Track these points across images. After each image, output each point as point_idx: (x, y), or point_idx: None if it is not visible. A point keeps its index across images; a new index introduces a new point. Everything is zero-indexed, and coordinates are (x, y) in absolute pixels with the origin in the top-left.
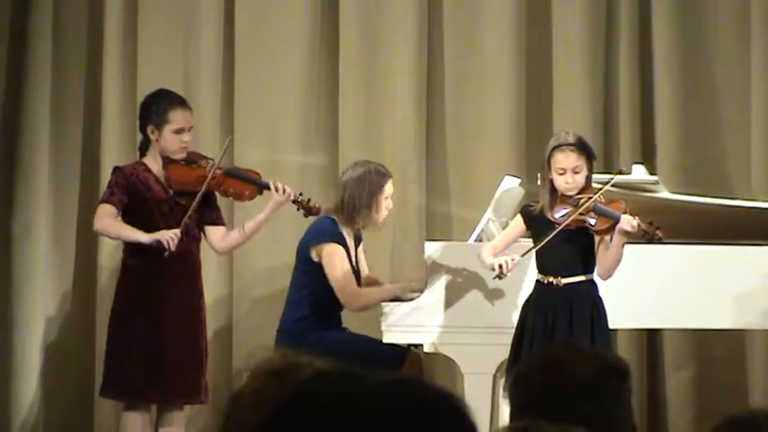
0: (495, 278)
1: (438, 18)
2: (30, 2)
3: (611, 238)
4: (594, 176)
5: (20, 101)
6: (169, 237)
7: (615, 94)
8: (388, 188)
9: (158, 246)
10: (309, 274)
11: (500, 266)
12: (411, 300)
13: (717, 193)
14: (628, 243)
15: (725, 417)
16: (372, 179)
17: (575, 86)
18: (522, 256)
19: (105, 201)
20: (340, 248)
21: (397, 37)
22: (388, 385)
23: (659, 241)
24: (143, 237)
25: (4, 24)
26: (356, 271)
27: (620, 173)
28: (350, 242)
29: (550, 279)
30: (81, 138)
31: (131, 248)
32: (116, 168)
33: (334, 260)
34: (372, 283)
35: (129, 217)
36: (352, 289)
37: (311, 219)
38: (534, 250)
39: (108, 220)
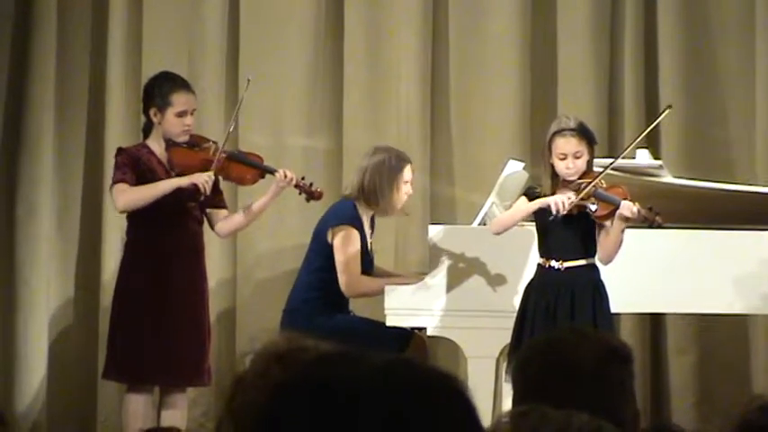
0: (551, 218)
1: (443, 2)
2: None
3: (612, 224)
4: (598, 161)
5: (24, 83)
6: (204, 180)
7: (620, 79)
8: (407, 173)
9: (194, 188)
10: (323, 256)
11: (556, 204)
12: (414, 284)
13: (720, 177)
14: (630, 227)
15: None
16: (392, 164)
17: (579, 70)
18: (578, 199)
19: (119, 180)
20: (355, 233)
21: (401, 20)
22: (388, 366)
23: (659, 227)
24: (179, 181)
25: (8, 6)
26: (369, 258)
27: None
28: (367, 229)
29: (552, 263)
30: (85, 120)
31: (134, 230)
32: (120, 149)
33: (345, 243)
34: (377, 273)
35: None
36: (354, 275)
37: (313, 203)
38: (591, 185)
39: (130, 191)
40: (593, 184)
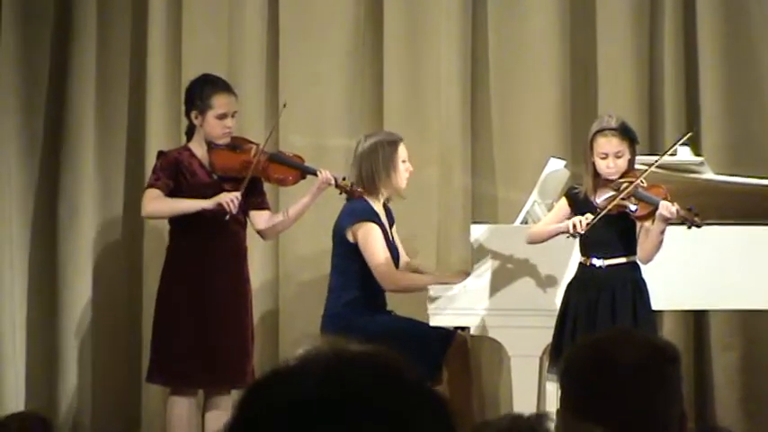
0: (568, 237)
1: (482, 1)
2: None
3: (652, 223)
4: (640, 158)
5: (65, 86)
6: (230, 199)
7: (659, 76)
8: (402, 151)
9: (220, 209)
10: (349, 257)
11: (573, 226)
12: (457, 283)
13: (763, 173)
14: (671, 225)
15: None
16: (384, 147)
17: (619, 68)
18: (594, 219)
19: (151, 185)
20: (375, 226)
21: (441, 20)
22: (370, 376)
23: (698, 227)
24: (203, 203)
25: (48, 9)
26: (394, 249)
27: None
28: (384, 221)
29: (594, 261)
30: (126, 121)
31: (177, 233)
32: (160, 153)
33: (369, 238)
34: (414, 271)
35: None
36: (390, 267)
37: None
38: (608, 209)
39: (158, 201)
40: (634, 184)
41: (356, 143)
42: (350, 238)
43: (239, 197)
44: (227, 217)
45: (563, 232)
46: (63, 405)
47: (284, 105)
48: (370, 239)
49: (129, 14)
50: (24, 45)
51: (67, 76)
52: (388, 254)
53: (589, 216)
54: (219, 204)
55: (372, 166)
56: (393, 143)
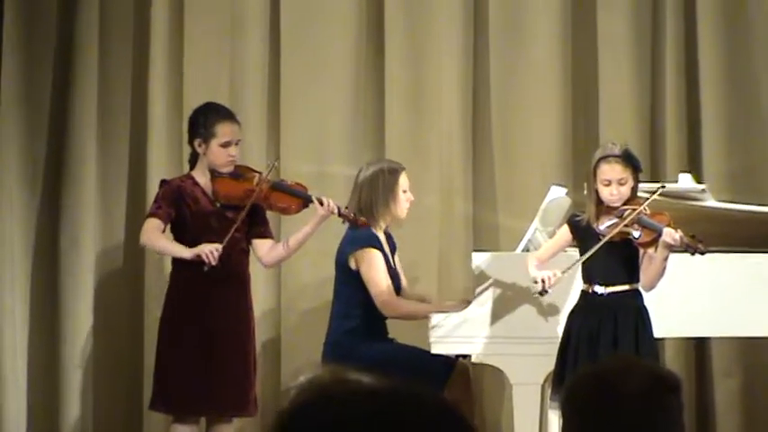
0: (535, 294)
1: (483, 28)
2: (76, 10)
3: (656, 250)
4: (642, 185)
5: (66, 113)
6: (209, 251)
7: (661, 103)
8: (403, 181)
9: (199, 260)
10: (351, 285)
11: (542, 281)
12: (458, 311)
13: (764, 201)
14: (674, 252)
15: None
16: (385, 175)
17: (621, 96)
18: (564, 272)
19: (152, 214)
20: (377, 253)
21: (442, 48)
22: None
23: (702, 254)
24: (185, 252)
25: (50, 35)
26: (395, 276)
27: (663, 187)
28: (386, 248)
29: (595, 288)
30: (128, 149)
31: (180, 261)
32: (163, 181)
33: (371, 264)
34: (420, 300)
35: (177, 230)
36: (390, 295)
37: None
38: (578, 263)
39: (154, 234)
40: (637, 211)
41: (357, 171)
42: (352, 265)
43: (219, 249)
44: (206, 268)
45: (534, 282)
46: None
47: (274, 164)
48: (372, 266)
49: (131, 42)
50: (26, 69)
51: (68, 105)
52: (389, 281)
53: (557, 273)
54: (198, 255)
55: (372, 194)
56: (394, 172)
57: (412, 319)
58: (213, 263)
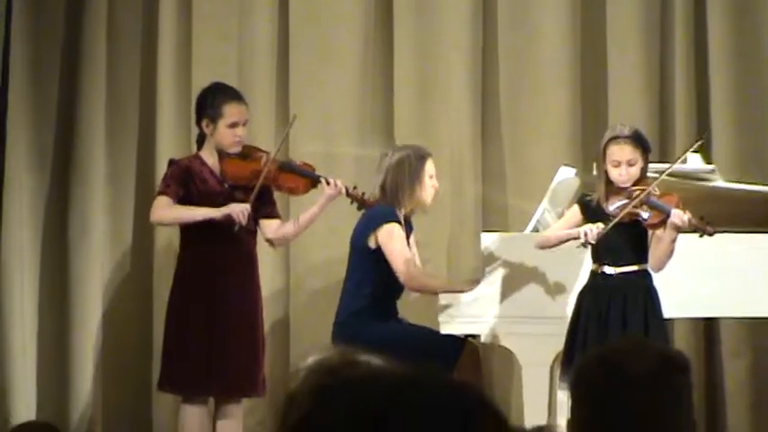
0: (578, 247)
1: (492, 11)
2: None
3: (664, 231)
4: (652, 165)
5: (75, 97)
6: (240, 210)
7: (670, 83)
8: (429, 167)
9: (229, 220)
10: (364, 266)
11: (584, 234)
12: (468, 291)
13: None
14: (683, 233)
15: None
16: (412, 161)
17: (630, 76)
18: (606, 228)
19: (161, 193)
20: (396, 225)
21: (451, 30)
22: (414, 384)
23: (710, 235)
24: (212, 213)
25: (59, 20)
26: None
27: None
28: (404, 228)
29: (605, 268)
30: (136, 136)
31: (187, 242)
32: (171, 161)
33: (392, 237)
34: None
35: None
36: (411, 265)
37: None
38: (610, 227)
39: (168, 208)
40: (646, 192)
41: (381, 155)
42: (371, 243)
43: (249, 209)
44: (237, 228)
45: (574, 238)
46: (74, 414)
47: (294, 117)
48: (393, 238)
49: (140, 25)
50: (34, 58)
51: (78, 87)
52: (408, 252)
53: (601, 225)
54: (229, 215)
55: (398, 178)
56: (421, 158)
57: (424, 292)
58: (243, 223)
